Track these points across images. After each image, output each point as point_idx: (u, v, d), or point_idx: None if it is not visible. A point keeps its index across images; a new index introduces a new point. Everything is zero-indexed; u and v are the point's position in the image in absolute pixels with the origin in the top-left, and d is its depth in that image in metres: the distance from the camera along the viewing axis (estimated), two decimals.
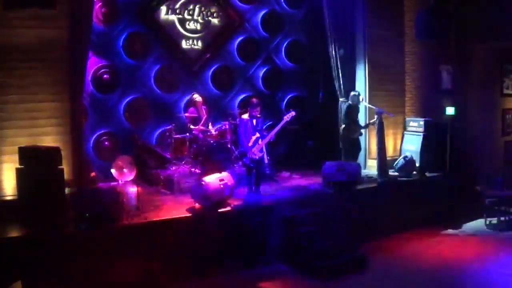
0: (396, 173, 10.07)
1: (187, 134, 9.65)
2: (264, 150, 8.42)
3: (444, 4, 11.04)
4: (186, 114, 9.95)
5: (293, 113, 8.45)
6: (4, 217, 6.84)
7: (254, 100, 8.43)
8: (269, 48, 11.85)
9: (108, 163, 9.42)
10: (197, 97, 10.00)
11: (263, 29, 11.68)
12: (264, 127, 8.50)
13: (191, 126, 9.69)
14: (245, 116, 8.39)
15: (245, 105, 11.05)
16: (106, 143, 9.98)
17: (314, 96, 12.10)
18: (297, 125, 10.99)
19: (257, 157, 8.25)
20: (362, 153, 10.38)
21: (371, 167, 10.38)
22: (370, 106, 10.10)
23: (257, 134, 8.26)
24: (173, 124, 9.68)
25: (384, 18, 10.83)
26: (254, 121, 8.32)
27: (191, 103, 10.10)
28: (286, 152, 11.71)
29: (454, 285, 7.27)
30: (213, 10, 11.02)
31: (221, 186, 7.87)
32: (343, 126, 10.00)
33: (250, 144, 8.19)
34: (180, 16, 10.69)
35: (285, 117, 8.40)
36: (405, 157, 10.12)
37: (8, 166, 7.28)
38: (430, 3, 10.71)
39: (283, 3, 11.86)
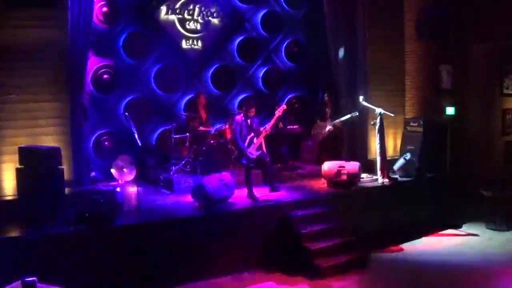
0: (396, 173, 10.07)
1: (187, 134, 9.66)
2: (264, 149, 8.43)
3: (444, 4, 11.04)
4: (186, 114, 9.97)
5: (284, 107, 8.54)
6: (4, 217, 6.84)
7: (249, 100, 8.48)
8: (269, 48, 11.85)
9: (108, 163, 9.43)
10: (201, 97, 10.06)
11: (263, 29, 11.68)
12: (262, 128, 8.49)
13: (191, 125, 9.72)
14: (240, 116, 8.42)
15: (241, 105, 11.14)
16: (106, 143, 9.98)
17: (314, 96, 12.10)
18: (297, 125, 11.01)
19: (254, 156, 8.25)
20: (362, 153, 10.40)
21: (371, 167, 10.36)
22: (371, 106, 10.10)
23: (253, 134, 8.28)
24: (173, 124, 9.69)
25: (384, 18, 10.83)
26: (249, 121, 8.34)
27: (195, 101, 10.16)
28: (286, 152, 11.69)
29: (454, 286, 7.28)
30: (213, 10, 11.03)
31: (221, 186, 7.87)
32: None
33: (246, 144, 8.21)
34: (180, 16, 10.70)
35: (276, 111, 8.46)
36: (405, 157, 10.11)
37: (8, 166, 7.28)
38: (430, 3, 10.71)
39: (283, 3, 11.85)
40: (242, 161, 8.32)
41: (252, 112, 8.33)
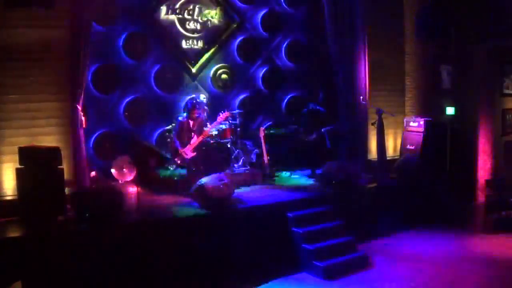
0: (396, 173, 10.06)
1: None
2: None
3: (444, 4, 11.04)
4: (186, 115, 9.96)
5: (227, 114, 8.81)
6: (4, 217, 6.85)
7: (191, 101, 8.67)
8: (269, 48, 11.85)
9: (108, 163, 9.43)
10: (201, 98, 10.08)
11: (263, 29, 11.66)
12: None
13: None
14: (182, 117, 8.68)
15: (244, 105, 11.15)
16: (106, 143, 9.97)
17: (314, 96, 12.09)
18: (297, 125, 11.00)
19: (189, 157, 8.47)
20: (362, 153, 10.39)
21: (371, 167, 10.37)
22: (370, 106, 10.11)
23: (193, 135, 8.52)
24: (173, 124, 9.69)
25: (384, 18, 10.83)
26: (192, 122, 8.54)
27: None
28: (286, 152, 11.69)
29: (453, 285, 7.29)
30: (213, 10, 11.02)
31: (221, 185, 7.88)
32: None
33: (181, 145, 8.48)
34: (180, 16, 10.69)
35: (218, 117, 8.74)
36: (405, 157, 10.11)
37: (8, 166, 7.29)
38: (430, 3, 10.72)
39: (283, 3, 11.84)
40: (175, 160, 8.49)
41: (194, 113, 8.57)
